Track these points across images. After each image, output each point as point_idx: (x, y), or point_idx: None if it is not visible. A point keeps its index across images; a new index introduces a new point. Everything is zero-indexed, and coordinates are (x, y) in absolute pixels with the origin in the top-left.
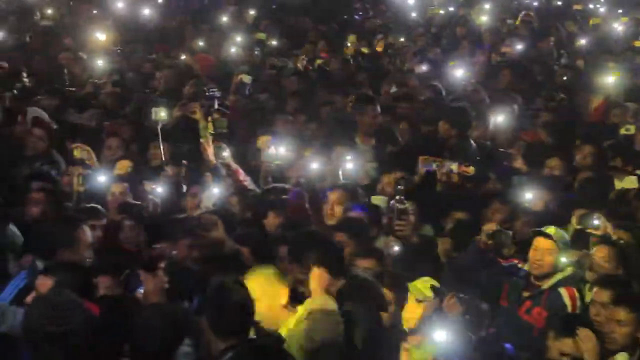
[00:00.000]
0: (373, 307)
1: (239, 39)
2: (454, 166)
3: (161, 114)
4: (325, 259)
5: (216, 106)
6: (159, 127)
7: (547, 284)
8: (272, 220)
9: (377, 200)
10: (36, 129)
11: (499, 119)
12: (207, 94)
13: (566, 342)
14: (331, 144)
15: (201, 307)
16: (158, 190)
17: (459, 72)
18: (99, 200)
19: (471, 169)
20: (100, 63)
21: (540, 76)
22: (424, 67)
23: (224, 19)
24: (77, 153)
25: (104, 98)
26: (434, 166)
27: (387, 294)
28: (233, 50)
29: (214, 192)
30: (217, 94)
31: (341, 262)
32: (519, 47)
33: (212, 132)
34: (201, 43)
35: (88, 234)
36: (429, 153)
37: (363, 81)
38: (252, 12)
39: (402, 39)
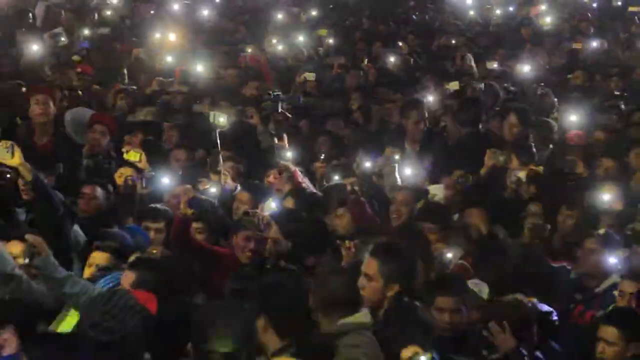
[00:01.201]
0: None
1: (300, 37)
2: (522, 174)
3: (220, 119)
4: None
5: (280, 109)
6: (217, 132)
7: (600, 287)
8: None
9: (436, 190)
10: (97, 124)
11: (570, 119)
12: (271, 97)
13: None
14: (382, 146)
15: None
16: (212, 190)
17: (526, 73)
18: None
19: (540, 168)
20: (168, 61)
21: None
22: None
23: (279, 16)
24: (129, 156)
25: (171, 96)
26: (501, 160)
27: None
28: (294, 49)
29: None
30: (282, 97)
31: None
32: (592, 45)
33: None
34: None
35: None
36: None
37: (425, 81)
38: (313, 12)
39: (455, 40)
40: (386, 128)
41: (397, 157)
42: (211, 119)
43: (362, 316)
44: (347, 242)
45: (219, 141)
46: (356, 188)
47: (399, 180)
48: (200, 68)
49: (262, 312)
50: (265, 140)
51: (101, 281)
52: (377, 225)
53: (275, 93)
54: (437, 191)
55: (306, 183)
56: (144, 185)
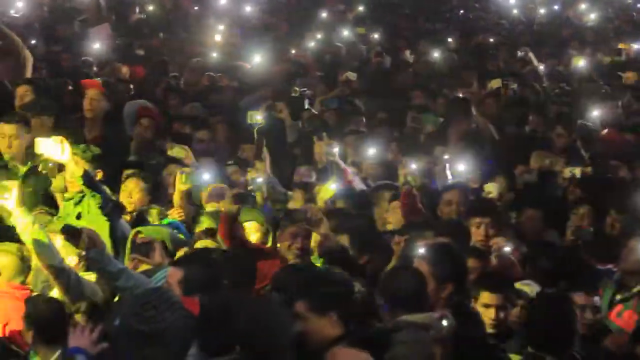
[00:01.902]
0: None
1: (345, 33)
2: (577, 170)
3: (256, 117)
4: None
5: (306, 106)
6: (254, 131)
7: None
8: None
9: (491, 187)
10: (144, 118)
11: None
12: (298, 94)
13: None
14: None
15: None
16: (259, 180)
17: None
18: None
19: (589, 169)
20: (216, 56)
21: None
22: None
23: (324, 14)
24: (174, 152)
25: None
26: (547, 162)
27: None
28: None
29: (332, 187)
30: (308, 93)
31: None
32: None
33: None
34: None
35: None
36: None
37: (470, 78)
38: (360, 8)
39: (492, 38)
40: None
41: (447, 156)
42: (248, 119)
43: (423, 317)
44: (396, 236)
45: (257, 139)
46: (410, 179)
47: (449, 178)
48: (249, 63)
49: (321, 302)
50: (292, 135)
51: (158, 274)
52: (428, 220)
53: (302, 91)
54: (492, 188)
55: (356, 181)
56: (183, 181)
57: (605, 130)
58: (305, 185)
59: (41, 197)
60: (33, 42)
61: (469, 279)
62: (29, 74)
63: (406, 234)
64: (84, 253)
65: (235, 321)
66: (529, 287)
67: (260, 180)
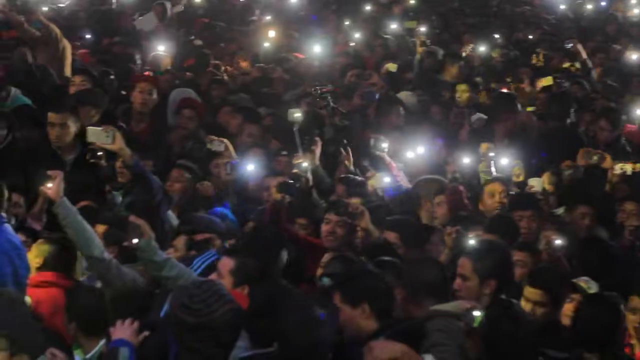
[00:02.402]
0: None
1: (393, 26)
2: (628, 167)
3: (296, 114)
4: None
5: (331, 104)
6: (295, 129)
7: None
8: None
9: (535, 182)
10: (186, 109)
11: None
12: (320, 92)
13: None
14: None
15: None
16: (304, 164)
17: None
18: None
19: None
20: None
21: None
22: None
23: (368, 7)
24: (213, 146)
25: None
26: (595, 159)
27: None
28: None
29: (385, 180)
30: (329, 92)
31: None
32: None
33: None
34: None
35: None
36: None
37: (523, 74)
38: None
39: (533, 34)
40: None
41: (492, 153)
42: (289, 117)
43: (454, 306)
44: (448, 227)
45: (297, 136)
46: (457, 176)
47: (494, 174)
48: (302, 56)
49: (353, 294)
50: (328, 132)
51: (195, 261)
52: (475, 215)
53: (321, 88)
54: (535, 183)
55: (401, 176)
56: (228, 171)
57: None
58: (346, 180)
59: (89, 186)
60: (87, 35)
61: (519, 273)
62: (68, 63)
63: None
64: (134, 241)
65: (277, 316)
66: (586, 284)
67: (305, 165)
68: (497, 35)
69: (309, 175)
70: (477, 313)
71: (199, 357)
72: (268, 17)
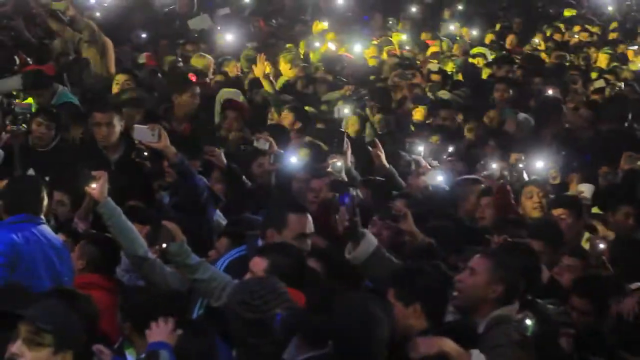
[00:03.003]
0: None
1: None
2: None
3: (345, 110)
4: None
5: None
6: (342, 124)
7: None
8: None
9: (584, 188)
10: (229, 110)
11: None
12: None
13: None
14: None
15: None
16: (338, 164)
17: None
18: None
19: None
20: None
21: None
22: None
23: (413, 9)
24: (259, 144)
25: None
26: (639, 164)
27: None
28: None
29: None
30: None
31: None
32: None
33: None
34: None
35: (304, 225)
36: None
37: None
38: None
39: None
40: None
41: (521, 165)
42: (336, 113)
43: (509, 309)
44: (495, 236)
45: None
46: (506, 174)
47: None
48: (349, 56)
49: (407, 293)
50: (370, 135)
51: (221, 259)
52: (521, 219)
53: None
54: (585, 189)
55: None
56: (271, 161)
57: None
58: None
59: (134, 186)
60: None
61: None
62: (112, 62)
63: (501, 232)
64: (164, 246)
65: (334, 315)
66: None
67: (340, 164)
68: (537, 40)
69: (343, 175)
70: (529, 322)
71: (254, 353)
72: (320, 18)
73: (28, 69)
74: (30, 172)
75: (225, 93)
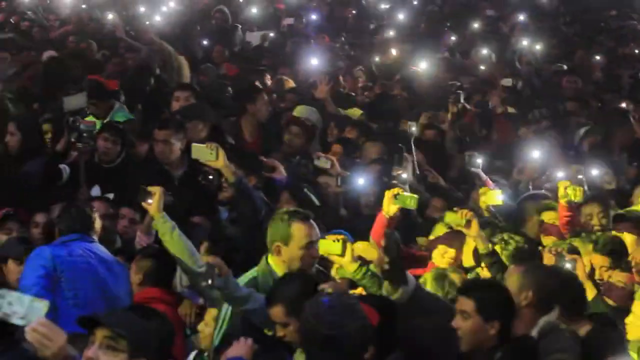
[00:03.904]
0: None
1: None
2: None
3: (412, 128)
4: None
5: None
6: (411, 140)
7: None
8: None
9: None
10: (293, 126)
11: None
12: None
13: None
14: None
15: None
16: (403, 175)
17: None
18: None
19: None
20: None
21: None
22: None
23: (476, 25)
24: (320, 163)
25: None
26: None
27: None
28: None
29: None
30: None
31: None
32: None
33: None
34: None
35: (308, 232)
36: None
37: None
38: (521, 17)
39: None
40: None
41: (580, 176)
42: (407, 128)
43: (552, 316)
44: (552, 247)
45: (414, 148)
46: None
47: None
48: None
49: (497, 315)
50: (452, 148)
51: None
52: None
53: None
54: None
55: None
56: (338, 184)
57: None
58: (445, 194)
59: (197, 201)
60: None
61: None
62: (187, 79)
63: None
64: (209, 282)
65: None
66: None
67: (405, 176)
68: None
69: (407, 187)
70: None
71: None
72: (389, 32)
73: (90, 78)
74: (96, 189)
75: (300, 109)
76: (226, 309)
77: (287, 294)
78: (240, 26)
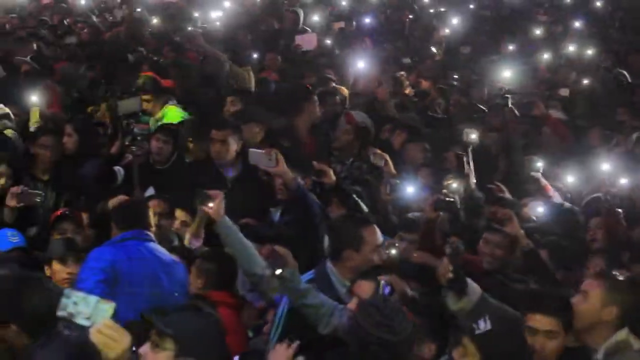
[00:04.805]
0: None
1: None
2: None
3: (471, 135)
4: None
5: (509, 104)
6: (469, 150)
7: None
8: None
9: None
10: (349, 125)
11: None
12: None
13: None
14: None
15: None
16: (454, 185)
17: None
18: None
19: None
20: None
21: None
22: None
23: (537, 32)
24: (375, 159)
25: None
26: None
27: None
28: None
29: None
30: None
31: None
32: None
33: None
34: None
35: (377, 236)
36: None
37: None
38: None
39: None
40: None
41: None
42: (464, 137)
43: (625, 335)
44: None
45: (470, 157)
46: (609, 198)
47: None
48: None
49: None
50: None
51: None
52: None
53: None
54: None
55: (557, 197)
56: (387, 191)
57: None
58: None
59: (251, 203)
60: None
61: None
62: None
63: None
64: (277, 271)
65: None
66: None
67: (455, 185)
68: None
69: (457, 197)
70: None
71: None
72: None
73: (145, 73)
74: (150, 190)
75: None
76: (282, 309)
77: None
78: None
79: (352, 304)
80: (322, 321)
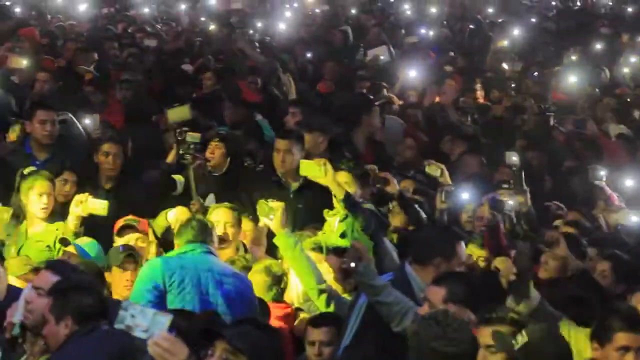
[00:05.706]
0: None
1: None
2: None
3: (513, 158)
4: None
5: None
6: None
7: None
8: None
9: None
10: (408, 139)
11: None
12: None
13: None
14: None
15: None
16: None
17: None
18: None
19: None
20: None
21: None
22: None
23: (598, 46)
24: (431, 170)
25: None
26: None
27: None
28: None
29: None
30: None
31: None
32: None
33: None
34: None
35: (464, 251)
36: None
37: None
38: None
39: None
40: None
41: None
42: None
43: None
44: None
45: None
46: None
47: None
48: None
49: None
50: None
51: None
52: None
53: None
54: None
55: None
56: (442, 199)
57: None
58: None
59: (314, 213)
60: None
61: None
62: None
63: None
64: (352, 265)
65: None
66: None
67: (511, 203)
68: None
69: (512, 214)
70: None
71: None
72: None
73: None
74: (211, 197)
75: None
76: (363, 300)
77: None
78: (362, 44)
79: (423, 309)
80: (395, 319)
